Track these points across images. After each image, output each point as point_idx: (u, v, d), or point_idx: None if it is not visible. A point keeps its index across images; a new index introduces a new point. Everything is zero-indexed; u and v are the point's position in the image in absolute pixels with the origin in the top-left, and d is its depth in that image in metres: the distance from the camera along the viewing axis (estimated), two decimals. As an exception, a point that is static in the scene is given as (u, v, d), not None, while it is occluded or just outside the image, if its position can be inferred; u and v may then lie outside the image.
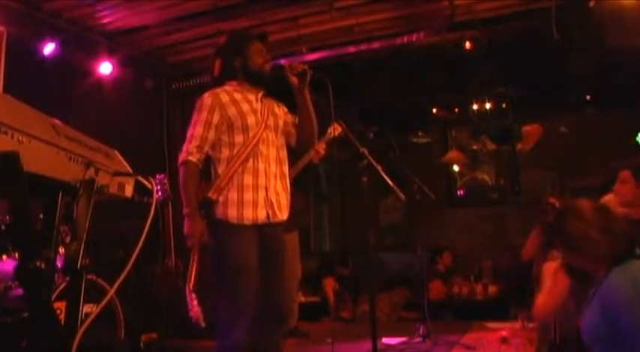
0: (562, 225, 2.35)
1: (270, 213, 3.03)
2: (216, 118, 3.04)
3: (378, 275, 7.65)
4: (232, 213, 2.96)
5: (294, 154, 4.23)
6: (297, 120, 3.31)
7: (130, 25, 5.68)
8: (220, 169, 3.01)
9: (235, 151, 3.02)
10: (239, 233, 2.96)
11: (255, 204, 2.99)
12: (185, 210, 2.98)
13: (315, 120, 3.26)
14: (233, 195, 2.98)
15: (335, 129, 4.45)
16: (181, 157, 3.04)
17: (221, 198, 2.98)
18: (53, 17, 5.30)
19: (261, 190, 3.02)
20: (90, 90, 5.75)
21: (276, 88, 3.25)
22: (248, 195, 2.99)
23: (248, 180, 3.00)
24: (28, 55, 5.19)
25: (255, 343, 2.97)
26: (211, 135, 3.03)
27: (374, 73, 6.97)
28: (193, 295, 2.84)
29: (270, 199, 3.03)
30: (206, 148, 3.03)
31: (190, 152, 3.02)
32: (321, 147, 4.59)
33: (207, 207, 2.97)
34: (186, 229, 2.98)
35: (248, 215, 2.97)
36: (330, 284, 7.49)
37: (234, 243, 2.95)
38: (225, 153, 3.03)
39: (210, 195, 2.98)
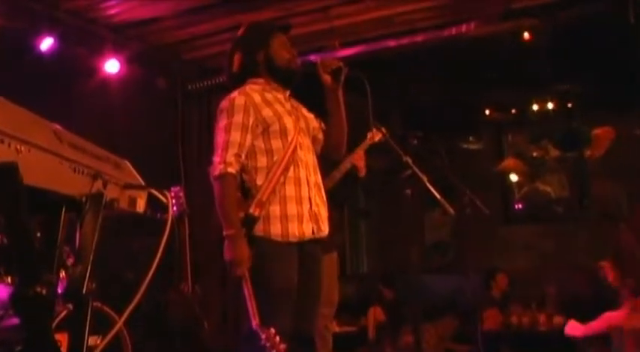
0: (619, 239, 2.31)
1: (315, 227, 3.03)
2: (251, 121, 3.02)
3: (423, 302, 7.60)
4: (276, 230, 2.95)
5: (329, 164, 4.23)
6: (324, 124, 3.31)
7: (140, 17, 5.73)
8: (259, 180, 2.99)
9: (274, 159, 3.01)
10: (283, 252, 2.96)
11: (300, 218, 2.99)
12: (227, 232, 2.91)
13: (346, 124, 3.26)
14: (275, 209, 2.97)
15: (375, 135, 4.44)
16: (217, 169, 2.97)
17: (262, 213, 2.96)
18: (51, 8, 5.33)
19: (305, 202, 3.02)
20: (94, 92, 5.81)
21: (302, 87, 3.25)
22: (292, 208, 2.98)
23: (290, 190, 2.99)
24: (23, 51, 5.24)
25: None
26: (248, 140, 3.01)
27: (417, 70, 6.94)
28: (269, 331, 2.74)
29: (314, 212, 3.04)
30: (244, 156, 3.00)
31: (229, 162, 2.96)
32: (359, 156, 4.58)
33: (248, 225, 2.94)
34: (229, 255, 2.90)
35: (294, 231, 2.97)
36: (375, 314, 7.42)
37: (278, 263, 2.95)
38: (262, 161, 3.01)
39: (252, 210, 2.94)
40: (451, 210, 4.04)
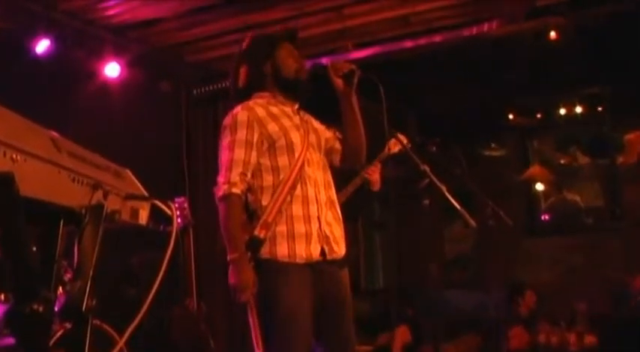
0: None
1: (326, 248, 3.01)
2: (255, 137, 3.02)
3: (444, 319, 7.57)
4: (282, 251, 2.93)
5: (342, 176, 4.23)
6: (339, 133, 3.32)
7: (141, 18, 5.75)
8: (265, 200, 2.98)
9: (281, 177, 3.00)
10: (290, 274, 2.93)
11: (308, 238, 2.97)
12: (231, 256, 2.91)
13: (364, 131, 3.26)
14: (282, 229, 2.95)
15: (393, 146, 4.44)
16: (222, 190, 2.98)
17: (268, 235, 2.95)
18: (48, 9, 5.35)
19: (314, 221, 3.00)
20: (94, 97, 5.84)
21: (313, 94, 3.25)
22: (299, 228, 2.96)
23: (297, 210, 2.98)
24: (18, 54, 5.27)
25: None
26: (253, 158, 3.01)
27: (435, 73, 6.94)
28: None
29: (324, 232, 3.02)
30: (249, 175, 3.00)
31: (233, 182, 2.96)
32: (373, 170, 4.58)
33: (254, 248, 2.93)
34: (234, 280, 2.89)
35: (301, 251, 2.94)
36: (402, 334, 7.37)
37: (285, 286, 2.92)
38: (268, 179, 3.00)
39: (257, 232, 2.94)
40: (472, 222, 4.02)
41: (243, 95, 3.21)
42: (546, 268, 8.58)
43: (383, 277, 9.74)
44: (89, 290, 1.88)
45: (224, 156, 3.04)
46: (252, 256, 2.93)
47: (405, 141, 4.28)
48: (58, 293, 2.23)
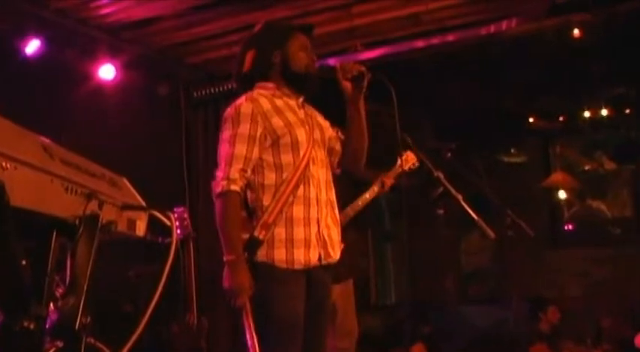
0: None
1: (322, 253, 3.04)
2: (259, 131, 3.03)
3: (461, 336, 7.56)
4: (280, 255, 2.96)
5: (355, 185, 4.23)
6: (342, 135, 3.33)
7: (138, 17, 5.75)
8: (266, 200, 3.00)
9: (284, 176, 3.02)
10: (287, 280, 2.97)
11: (307, 243, 3.00)
12: (227, 257, 2.93)
13: (367, 137, 3.26)
14: (280, 232, 2.98)
15: (405, 162, 4.43)
16: (220, 186, 2.99)
17: (267, 236, 2.98)
18: (38, 7, 5.33)
19: (313, 224, 3.03)
20: (88, 101, 5.84)
21: (318, 94, 3.26)
22: (299, 232, 2.99)
23: (298, 212, 3.00)
24: (6, 55, 5.26)
25: None
26: (255, 153, 3.02)
27: (450, 74, 6.94)
28: None
29: (322, 235, 3.05)
30: (250, 172, 3.02)
31: (232, 179, 2.98)
32: (389, 182, 4.59)
33: (251, 249, 2.96)
34: (229, 283, 2.92)
35: (299, 257, 2.98)
36: None
37: (281, 292, 2.97)
38: (270, 178, 3.03)
39: (256, 233, 2.96)
40: (491, 233, 4.03)
41: (246, 81, 3.23)
42: (570, 282, 8.56)
43: (395, 291, 9.74)
44: (83, 306, 1.88)
45: (224, 149, 3.05)
46: (248, 257, 2.96)
47: (414, 159, 4.30)
48: (50, 309, 2.23)
